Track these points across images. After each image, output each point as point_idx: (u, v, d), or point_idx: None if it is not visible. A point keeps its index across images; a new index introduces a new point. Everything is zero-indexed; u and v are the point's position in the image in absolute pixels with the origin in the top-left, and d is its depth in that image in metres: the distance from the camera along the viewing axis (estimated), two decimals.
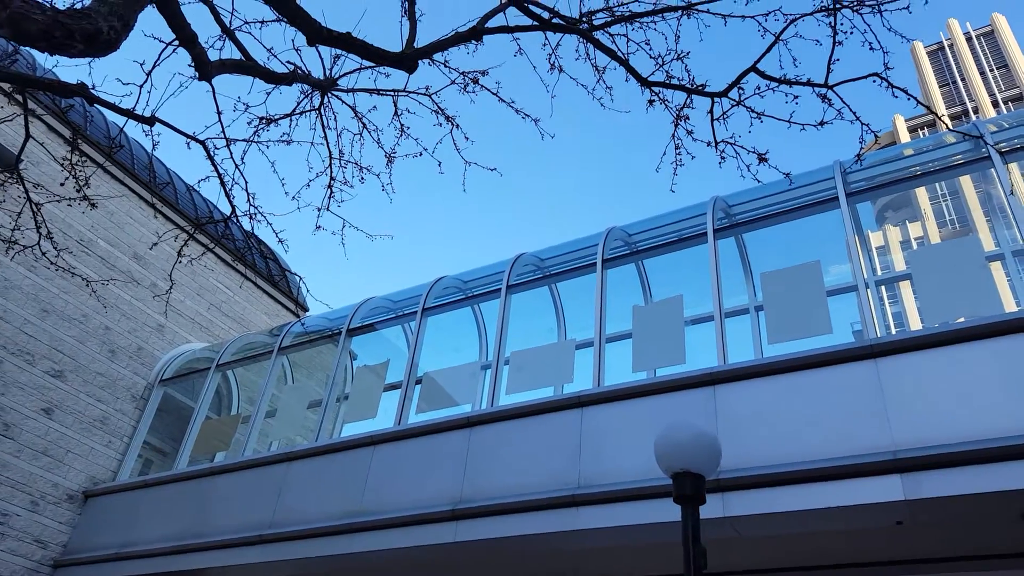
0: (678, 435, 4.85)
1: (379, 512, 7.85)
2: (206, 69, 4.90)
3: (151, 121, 5.31)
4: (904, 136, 60.10)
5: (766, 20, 5.05)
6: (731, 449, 6.27)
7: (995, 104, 60.35)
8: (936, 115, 5.44)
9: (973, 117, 59.55)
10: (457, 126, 6.34)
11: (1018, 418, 5.47)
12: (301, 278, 6.11)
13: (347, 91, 6.06)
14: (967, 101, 62.59)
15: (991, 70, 64.12)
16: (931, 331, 6.27)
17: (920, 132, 60.38)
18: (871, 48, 4.45)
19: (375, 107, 6.38)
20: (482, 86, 5.70)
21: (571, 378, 8.08)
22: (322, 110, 6.06)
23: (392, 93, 6.25)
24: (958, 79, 65.28)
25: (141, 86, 5.36)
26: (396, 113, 6.39)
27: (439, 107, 6.27)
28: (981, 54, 65.90)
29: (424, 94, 6.26)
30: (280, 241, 5.93)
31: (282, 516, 8.75)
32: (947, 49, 68.14)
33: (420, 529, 7.52)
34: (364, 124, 6.43)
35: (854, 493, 5.78)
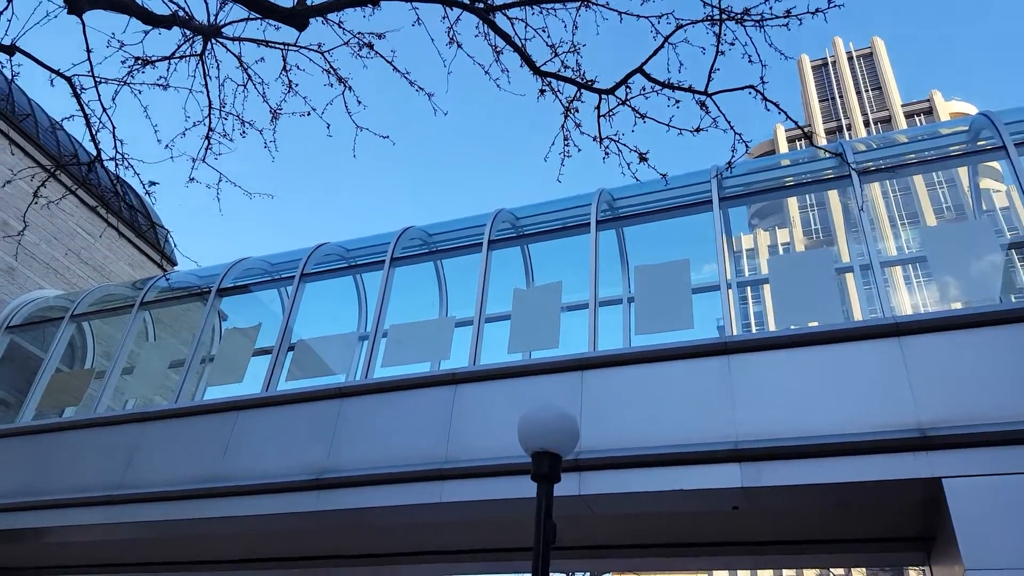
0: (540, 416, 5.03)
1: (239, 478, 7.65)
2: (77, 2, 4.50)
3: (11, 50, 4.83)
4: (783, 144, 64.07)
5: (659, 22, 5.19)
6: (593, 431, 6.58)
7: (867, 124, 65.37)
8: (802, 130, 5.82)
9: (847, 134, 64.28)
10: (350, 88, 6.15)
11: (846, 418, 6.03)
12: (168, 231, 5.79)
13: (232, 39, 5.72)
14: (843, 118, 67.40)
15: (867, 91, 69.29)
16: (778, 334, 6.81)
17: (798, 143, 64.58)
18: (750, 61, 4.69)
19: (262, 59, 6.03)
20: (377, 52, 5.55)
21: (448, 355, 8.15)
22: (204, 56, 5.71)
23: (282, 47, 5.97)
24: (837, 96, 70.12)
25: (1, 12, 4.85)
26: (285, 68, 6.11)
27: (332, 66, 6.06)
28: (859, 75, 70.99)
29: (316, 51, 6.02)
30: (148, 192, 5.57)
31: (133, 477, 8.35)
32: (830, 66, 72.89)
33: (281, 497, 7.40)
34: (249, 76, 6.11)
35: (697, 478, 6.21)
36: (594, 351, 7.31)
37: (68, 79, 5.21)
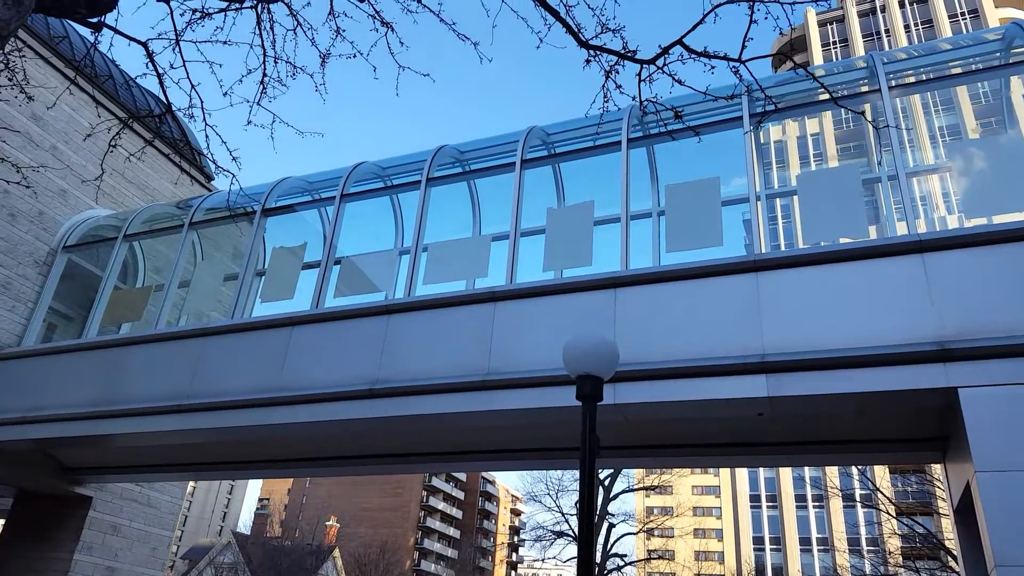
0: (583, 343, 5.51)
1: (299, 388, 8.30)
2: None
3: (99, 27, 5.10)
4: (814, 30, 61.18)
5: None
6: (626, 345, 7.03)
7: (901, 4, 61.81)
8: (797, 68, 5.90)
9: (880, 16, 61.07)
10: (393, 30, 6.29)
11: (868, 332, 6.37)
12: (234, 176, 6.11)
13: None
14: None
15: None
16: (803, 251, 7.09)
17: (829, 27, 61.60)
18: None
19: (309, 3, 6.17)
20: (424, 5, 5.66)
21: (486, 273, 8.56)
22: (257, 7, 5.86)
23: None
24: None
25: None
26: (331, 12, 6.24)
27: (376, 11, 6.17)
28: None
29: None
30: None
31: (199, 388, 9.02)
32: None
33: (339, 405, 8.06)
34: (298, 21, 6.26)
35: (726, 388, 6.70)
36: (626, 270, 7.68)
37: (143, 44, 5.45)
